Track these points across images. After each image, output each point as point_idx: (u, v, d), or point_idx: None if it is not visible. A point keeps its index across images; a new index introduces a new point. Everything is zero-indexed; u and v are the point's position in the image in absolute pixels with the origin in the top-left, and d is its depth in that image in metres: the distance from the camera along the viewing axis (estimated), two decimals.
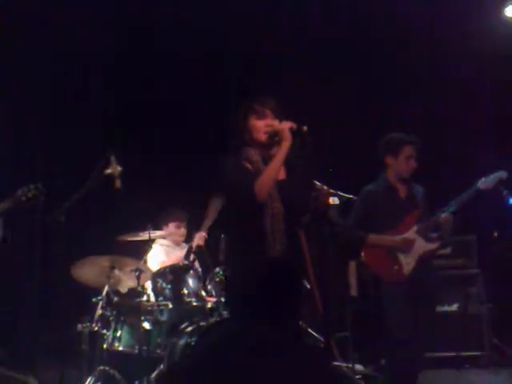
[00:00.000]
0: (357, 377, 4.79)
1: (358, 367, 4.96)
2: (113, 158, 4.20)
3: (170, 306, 4.65)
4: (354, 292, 5.37)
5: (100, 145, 5.40)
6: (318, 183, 3.82)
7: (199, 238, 5.07)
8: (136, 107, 6.21)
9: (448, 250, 5.64)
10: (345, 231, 4.09)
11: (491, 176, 4.07)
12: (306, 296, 4.53)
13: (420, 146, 4.17)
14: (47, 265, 5.41)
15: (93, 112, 6.00)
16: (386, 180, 4.20)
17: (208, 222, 5.06)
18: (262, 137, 3.31)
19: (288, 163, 3.27)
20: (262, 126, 3.30)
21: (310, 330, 4.79)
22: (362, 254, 4.08)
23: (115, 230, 5.00)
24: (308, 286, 4.71)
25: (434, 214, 4.05)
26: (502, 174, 4.06)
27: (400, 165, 4.15)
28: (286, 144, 3.20)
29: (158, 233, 5.08)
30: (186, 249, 5.25)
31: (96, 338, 4.57)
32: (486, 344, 5.32)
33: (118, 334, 4.61)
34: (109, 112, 6.09)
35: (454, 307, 5.28)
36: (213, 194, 4.94)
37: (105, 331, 4.58)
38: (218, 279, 4.71)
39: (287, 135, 3.21)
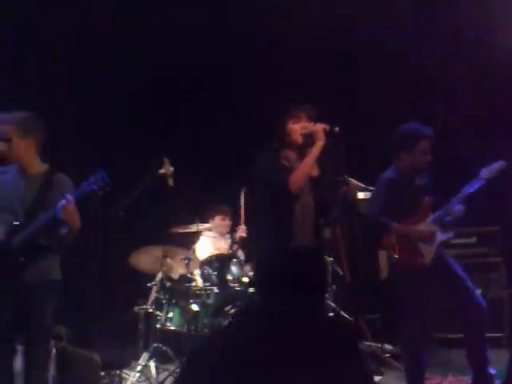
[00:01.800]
0: (386, 355, 5.02)
1: (387, 347, 5.18)
2: (166, 160, 4.60)
3: (216, 290, 4.96)
4: (383, 276, 5.32)
5: (154, 146, 5.58)
6: (348, 178, 3.83)
7: (241, 231, 5.34)
8: (186, 108, 6.31)
9: (473, 240, 5.84)
10: (370, 218, 3.97)
11: (492, 166, 3.91)
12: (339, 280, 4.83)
13: (434, 139, 3.94)
14: (108, 254, 5.52)
15: (146, 114, 6.15)
16: (401, 168, 4.02)
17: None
18: (299, 138, 3.55)
19: (321, 162, 3.48)
20: (298, 128, 3.56)
21: (341, 312, 5.02)
22: (392, 240, 3.92)
23: (167, 224, 5.26)
24: (341, 273, 5.11)
25: (447, 204, 3.94)
26: (501, 164, 3.91)
27: (415, 159, 3.95)
28: (320, 144, 3.46)
29: (205, 225, 5.37)
30: (230, 239, 5.58)
31: (150, 318, 4.94)
32: (505, 326, 5.51)
33: (170, 315, 4.96)
34: (161, 114, 6.20)
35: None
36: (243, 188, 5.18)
37: (158, 312, 4.93)
38: None
39: (321, 136, 3.45)
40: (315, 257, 3.39)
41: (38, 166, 3.46)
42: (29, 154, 3.42)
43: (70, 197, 3.28)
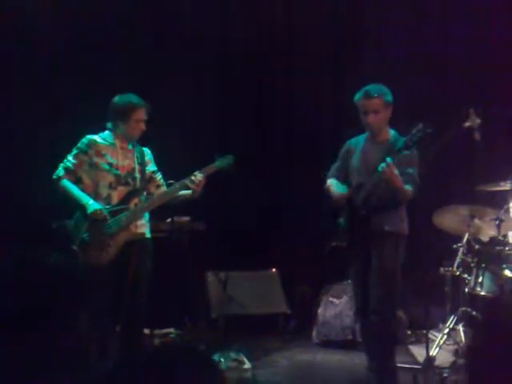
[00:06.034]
0: None
1: None
2: (471, 111, 4.25)
3: None
4: None
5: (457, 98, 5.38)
6: None
7: None
8: None
9: None
10: None
11: None
12: None
13: None
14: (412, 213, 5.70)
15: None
16: None
17: None
18: None
19: None
20: None
21: None
22: None
23: (475, 180, 4.95)
24: None
25: None
26: None
27: None
28: None
29: None
30: None
31: (457, 281, 4.73)
32: None
33: (480, 279, 4.63)
34: None
35: None
36: None
37: (466, 276, 4.68)
38: None
39: None
40: None
41: (386, 134, 3.92)
42: (385, 124, 3.92)
43: (389, 160, 3.61)
